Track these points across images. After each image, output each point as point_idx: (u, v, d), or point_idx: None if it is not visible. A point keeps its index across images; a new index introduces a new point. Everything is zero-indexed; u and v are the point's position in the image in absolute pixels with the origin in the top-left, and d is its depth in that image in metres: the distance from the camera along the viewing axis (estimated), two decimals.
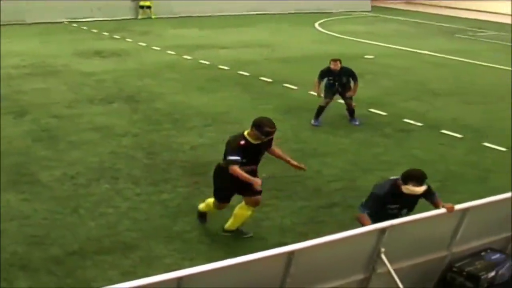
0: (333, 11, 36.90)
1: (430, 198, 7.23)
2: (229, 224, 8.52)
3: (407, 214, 7.10)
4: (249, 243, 8.33)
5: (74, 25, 28.55)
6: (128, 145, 12.11)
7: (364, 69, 17.73)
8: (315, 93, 13.88)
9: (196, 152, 11.89)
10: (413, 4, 44.36)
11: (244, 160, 7.78)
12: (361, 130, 13.62)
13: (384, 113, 14.94)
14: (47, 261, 7.77)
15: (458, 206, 6.96)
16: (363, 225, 7.02)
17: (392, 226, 6.39)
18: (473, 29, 32.56)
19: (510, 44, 27.65)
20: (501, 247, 7.75)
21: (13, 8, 28.35)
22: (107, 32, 26.31)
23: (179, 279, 5.17)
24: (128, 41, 24.44)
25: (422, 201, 7.28)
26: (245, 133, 7.89)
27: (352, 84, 13.87)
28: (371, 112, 14.99)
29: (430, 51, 24.43)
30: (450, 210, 6.88)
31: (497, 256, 7.40)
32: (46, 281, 7.37)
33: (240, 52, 22.87)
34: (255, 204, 8.33)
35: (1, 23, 26.80)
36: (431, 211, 6.91)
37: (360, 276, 6.59)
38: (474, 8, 40.11)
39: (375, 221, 7.08)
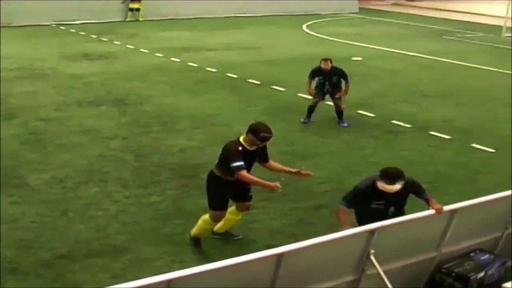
0: (321, 12, 36.92)
1: (419, 196, 7.22)
2: (219, 227, 8.49)
3: (397, 212, 7.07)
4: (239, 245, 8.34)
5: (62, 27, 28.40)
6: (117, 148, 12.07)
7: (352, 71, 17.72)
8: (305, 95, 13.90)
9: (185, 155, 11.88)
10: (401, 5, 44.49)
11: None
12: (349, 132, 13.66)
13: (372, 115, 14.98)
14: (36, 265, 7.73)
15: (446, 207, 7.00)
16: (338, 217, 7.13)
17: (382, 227, 6.42)
18: (461, 30, 32.69)
19: (498, 45, 27.83)
20: (490, 247, 7.80)
21: None
22: (95, 34, 26.21)
23: (169, 281, 5.18)
24: (116, 44, 24.36)
25: (418, 202, 7.30)
26: (241, 139, 7.80)
27: (343, 84, 13.94)
28: (360, 113, 15.03)
29: (419, 53, 24.52)
30: (439, 211, 6.90)
31: (486, 256, 7.46)
32: (35, 285, 7.34)
33: (228, 54, 22.83)
34: (246, 209, 8.34)
35: None
36: (419, 212, 6.93)
37: (349, 278, 6.62)
38: (461, 10, 40.25)
39: (361, 217, 7.14)
